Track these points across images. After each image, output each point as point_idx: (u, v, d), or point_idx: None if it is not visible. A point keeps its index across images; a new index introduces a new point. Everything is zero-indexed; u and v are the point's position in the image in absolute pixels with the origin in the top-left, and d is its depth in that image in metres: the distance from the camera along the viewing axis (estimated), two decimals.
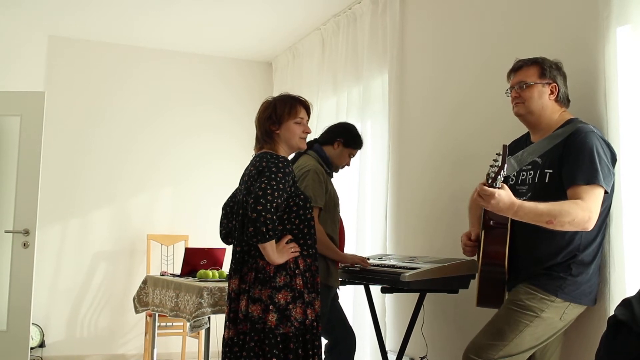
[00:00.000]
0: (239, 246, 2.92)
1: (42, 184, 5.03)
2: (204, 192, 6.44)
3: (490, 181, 2.43)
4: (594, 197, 2.52)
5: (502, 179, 2.43)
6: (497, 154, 2.45)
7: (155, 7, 5.37)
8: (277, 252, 2.79)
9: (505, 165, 2.39)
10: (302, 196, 2.94)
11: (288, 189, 2.84)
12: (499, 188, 2.44)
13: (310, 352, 2.83)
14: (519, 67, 2.82)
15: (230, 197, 3.11)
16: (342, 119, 4.99)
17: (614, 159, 2.65)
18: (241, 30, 5.94)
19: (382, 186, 4.55)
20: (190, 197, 6.44)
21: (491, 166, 2.46)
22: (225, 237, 3.10)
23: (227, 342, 2.90)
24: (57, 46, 6.08)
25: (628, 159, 2.71)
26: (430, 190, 4.13)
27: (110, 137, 6.22)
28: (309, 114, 3.10)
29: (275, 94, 3.20)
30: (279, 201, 2.77)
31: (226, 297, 3.05)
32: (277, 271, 2.81)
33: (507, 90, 2.87)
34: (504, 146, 2.42)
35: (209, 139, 6.56)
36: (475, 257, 3.07)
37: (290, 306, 2.79)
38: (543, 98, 2.76)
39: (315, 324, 2.87)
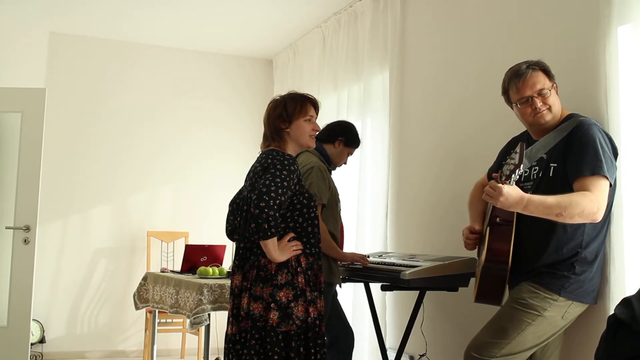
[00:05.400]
0: (242, 242, 2.91)
1: (42, 180, 5.03)
2: (204, 188, 6.45)
3: (504, 178, 2.42)
4: (600, 188, 2.52)
5: (517, 177, 2.40)
6: (513, 152, 2.41)
7: (156, 3, 5.37)
8: (279, 250, 2.78)
9: (522, 164, 2.36)
10: (306, 194, 2.92)
11: (292, 187, 2.83)
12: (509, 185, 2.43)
13: (312, 351, 2.82)
14: (528, 74, 2.70)
15: (237, 193, 3.11)
16: (343, 116, 5.00)
17: (615, 152, 2.66)
18: (242, 27, 5.94)
19: (382, 184, 4.55)
20: (191, 194, 6.44)
21: (506, 164, 2.44)
22: (231, 233, 3.08)
23: (229, 339, 2.89)
24: (58, 43, 6.08)
25: (629, 157, 2.71)
26: (430, 188, 4.14)
27: (111, 134, 6.22)
28: (317, 111, 3.09)
29: (276, 91, 3.20)
30: (283, 199, 2.75)
31: (228, 294, 3.04)
32: (278, 269, 2.80)
33: (517, 102, 2.74)
34: (522, 144, 2.39)
35: (210, 136, 6.56)
36: (474, 253, 3.07)
37: (292, 304, 2.78)
38: (558, 99, 2.76)
39: (317, 322, 2.85)
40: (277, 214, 2.71)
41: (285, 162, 2.83)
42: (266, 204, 2.68)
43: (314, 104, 3.07)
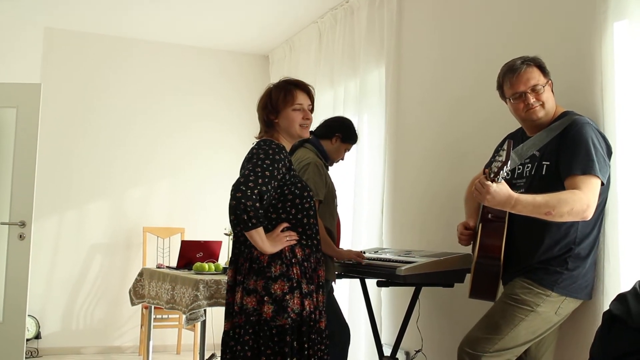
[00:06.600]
0: (236, 236, 2.83)
1: (38, 176, 5.02)
2: (200, 184, 6.44)
3: (492, 175, 2.42)
4: (590, 186, 2.52)
5: (505, 174, 2.40)
6: (501, 149, 2.41)
7: None
8: (270, 241, 2.67)
9: (509, 161, 2.36)
10: (299, 185, 2.81)
11: (278, 176, 2.71)
12: (497, 183, 2.43)
13: (306, 345, 2.72)
14: (522, 70, 2.70)
15: None
16: (339, 112, 5.00)
17: (609, 151, 2.66)
18: (238, 22, 5.93)
19: (378, 180, 4.55)
20: (187, 190, 6.44)
21: (494, 161, 2.44)
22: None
23: (224, 335, 2.82)
24: (53, 38, 6.06)
25: (624, 153, 2.71)
26: (427, 184, 4.14)
27: (106, 130, 6.21)
28: (311, 98, 2.92)
29: None
30: (264, 188, 2.62)
31: (225, 289, 3.00)
32: (271, 260, 2.69)
33: (511, 97, 2.75)
34: (509, 142, 2.38)
35: (206, 132, 6.55)
36: (470, 249, 3.08)
37: (287, 296, 2.66)
38: (552, 96, 2.76)
39: (313, 316, 2.75)
40: (257, 204, 2.59)
41: (270, 151, 2.71)
42: (243, 194, 2.57)
43: (305, 89, 2.92)
